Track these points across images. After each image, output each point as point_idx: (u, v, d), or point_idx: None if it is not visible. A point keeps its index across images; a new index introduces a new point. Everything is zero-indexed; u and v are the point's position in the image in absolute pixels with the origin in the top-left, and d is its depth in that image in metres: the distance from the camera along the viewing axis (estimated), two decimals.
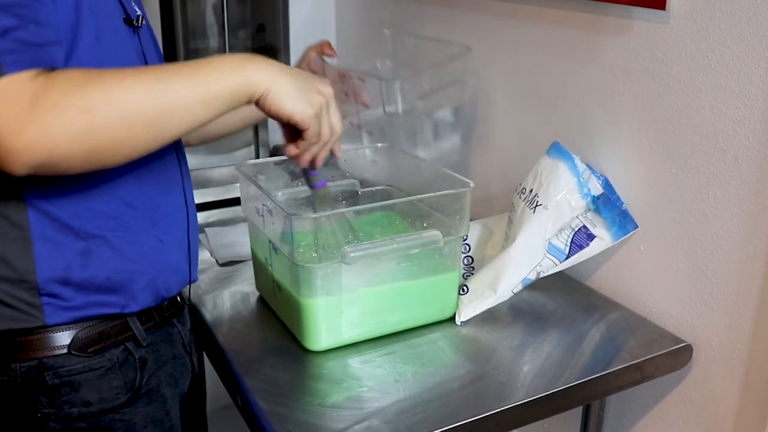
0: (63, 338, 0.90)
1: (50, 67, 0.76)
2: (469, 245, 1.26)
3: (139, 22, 0.94)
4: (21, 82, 0.73)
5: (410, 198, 1.19)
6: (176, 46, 1.70)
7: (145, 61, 0.95)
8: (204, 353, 1.18)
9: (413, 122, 1.37)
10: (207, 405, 1.21)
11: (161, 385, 0.99)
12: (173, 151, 1.00)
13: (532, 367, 1.03)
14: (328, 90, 0.92)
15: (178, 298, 1.05)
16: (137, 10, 0.97)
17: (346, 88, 1.36)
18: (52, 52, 0.78)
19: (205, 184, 1.69)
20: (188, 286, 1.05)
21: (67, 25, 0.81)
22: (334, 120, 0.94)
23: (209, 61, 0.84)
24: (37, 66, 0.75)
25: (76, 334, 0.90)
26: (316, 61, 1.36)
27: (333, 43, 1.45)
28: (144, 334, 0.96)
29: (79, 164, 0.78)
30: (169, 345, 1.01)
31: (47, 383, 0.90)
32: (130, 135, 0.78)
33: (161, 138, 0.81)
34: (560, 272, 1.19)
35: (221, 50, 1.78)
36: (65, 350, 0.90)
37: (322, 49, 1.38)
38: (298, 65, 1.36)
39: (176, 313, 1.04)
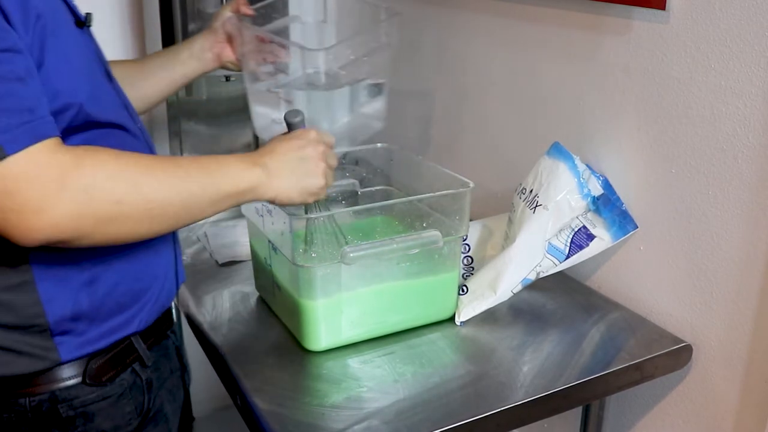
0: (75, 368, 0.88)
1: (54, 135, 0.75)
2: (468, 245, 1.26)
3: (89, 21, 0.92)
4: (43, 159, 0.73)
5: (410, 198, 1.19)
6: (175, 39, 1.69)
7: (101, 60, 0.93)
8: (204, 353, 1.18)
9: (334, 93, 1.30)
10: (207, 405, 1.21)
11: (164, 404, 0.99)
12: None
13: (532, 367, 1.03)
14: (321, 162, 0.94)
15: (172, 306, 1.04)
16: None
17: (264, 53, 1.26)
18: (42, 112, 0.75)
19: None
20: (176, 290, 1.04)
21: (35, 58, 0.79)
22: (329, 173, 0.96)
23: (222, 162, 0.88)
24: (39, 138, 0.73)
25: (89, 363, 0.89)
26: (232, 22, 1.24)
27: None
28: (148, 353, 0.96)
29: (93, 244, 0.79)
30: (167, 359, 1.01)
31: (61, 416, 0.88)
32: (150, 227, 0.82)
33: (171, 228, 0.86)
34: (560, 272, 1.19)
35: None
36: (78, 380, 0.88)
37: (238, 7, 1.26)
38: (212, 25, 1.26)
39: (170, 323, 1.04)
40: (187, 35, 1.70)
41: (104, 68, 0.93)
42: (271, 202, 0.92)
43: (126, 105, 0.96)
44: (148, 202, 0.79)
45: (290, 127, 0.98)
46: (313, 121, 1.25)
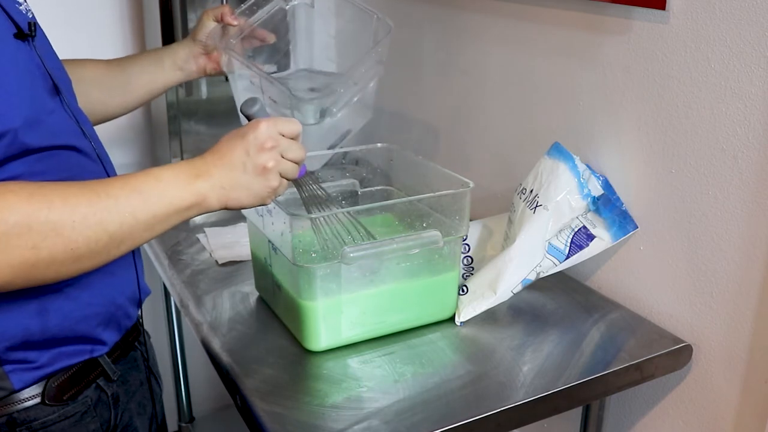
0: (34, 389, 0.84)
1: None
2: (468, 245, 1.26)
3: (33, 30, 0.83)
4: None
5: (410, 198, 1.19)
6: (175, 39, 1.69)
7: (47, 73, 0.85)
8: (204, 353, 1.18)
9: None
10: (207, 405, 1.21)
11: (133, 418, 0.97)
12: (104, 174, 0.92)
13: (532, 367, 1.03)
14: (271, 161, 0.85)
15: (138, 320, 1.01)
16: (25, 12, 0.86)
17: (252, 77, 1.19)
18: None
19: None
20: (140, 302, 1.00)
21: None
22: (287, 168, 0.87)
23: (157, 180, 0.79)
24: None
25: (48, 383, 0.85)
26: (215, 35, 1.16)
27: (333, 55, 1.32)
28: (113, 368, 0.92)
29: (16, 287, 0.74)
30: (136, 371, 0.99)
31: None
32: (77, 266, 0.75)
33: (103, 263, 0.78)
34: (560, 272, 1.19)
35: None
36: (37, 400, 0.84)
37: (223, 17, 1.16)
38: (195, 36, 1.19)
39: (138, 336, 1.01)
40: (187, 35, 1.70)
41: (51, 83, 0.85)
42: (222, 209, 0.85)
43: (79, 121, 0.89)
44: (69, 242, 0.72)
45: (248, 119, 0.89)
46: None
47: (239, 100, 1.24)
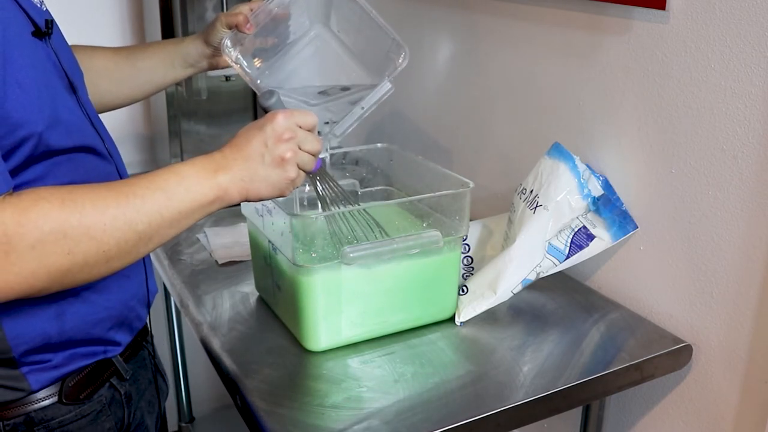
0: (50, 389, 0.86)
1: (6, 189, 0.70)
2: (468, 245, 1.26)
3: (50, 28, 0.84)
4: None
5: (410, 198, 1.19)
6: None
7: (63, 71, 0.85)
8: (204, 353, 1.18)
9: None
10: (207, 405, 1.21)
11: (144, 416, 0.98)
12: (116, 173, 0.93)
13: (532, 367, 1.03)
14: (288, 152, 0.85)
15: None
16: (39, 5, 0.86)
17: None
18: None
19: None
20: (148, 302, 1.00)
21: None
22: (305, 160, 0.88)
23: (180, 177, 0.80)
24: None
25: (64, 383, 0.86)
26: (228, 45, 1.12)
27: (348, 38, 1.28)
28: (125, 367, 0.94)
29: (51, 292, 0.75)
30: (144, 370, 1.00)
31: None
32: (108, 267, 0.77)
33: (132, 261, 0.80)
34: (560, 272, 1.19)
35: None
36: (54, 399, 0.86)
37: (238, 24, 1.10)
38: (206, 36, 1.15)
39: (146, 335, 1.02)
40: (186, 33, 1.70)
41: (67, 81, 0.86)
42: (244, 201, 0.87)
43: (93, 121, 0.90)
44: (101, 245, 0.74)
45: (265, 111, 0.90)
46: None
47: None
